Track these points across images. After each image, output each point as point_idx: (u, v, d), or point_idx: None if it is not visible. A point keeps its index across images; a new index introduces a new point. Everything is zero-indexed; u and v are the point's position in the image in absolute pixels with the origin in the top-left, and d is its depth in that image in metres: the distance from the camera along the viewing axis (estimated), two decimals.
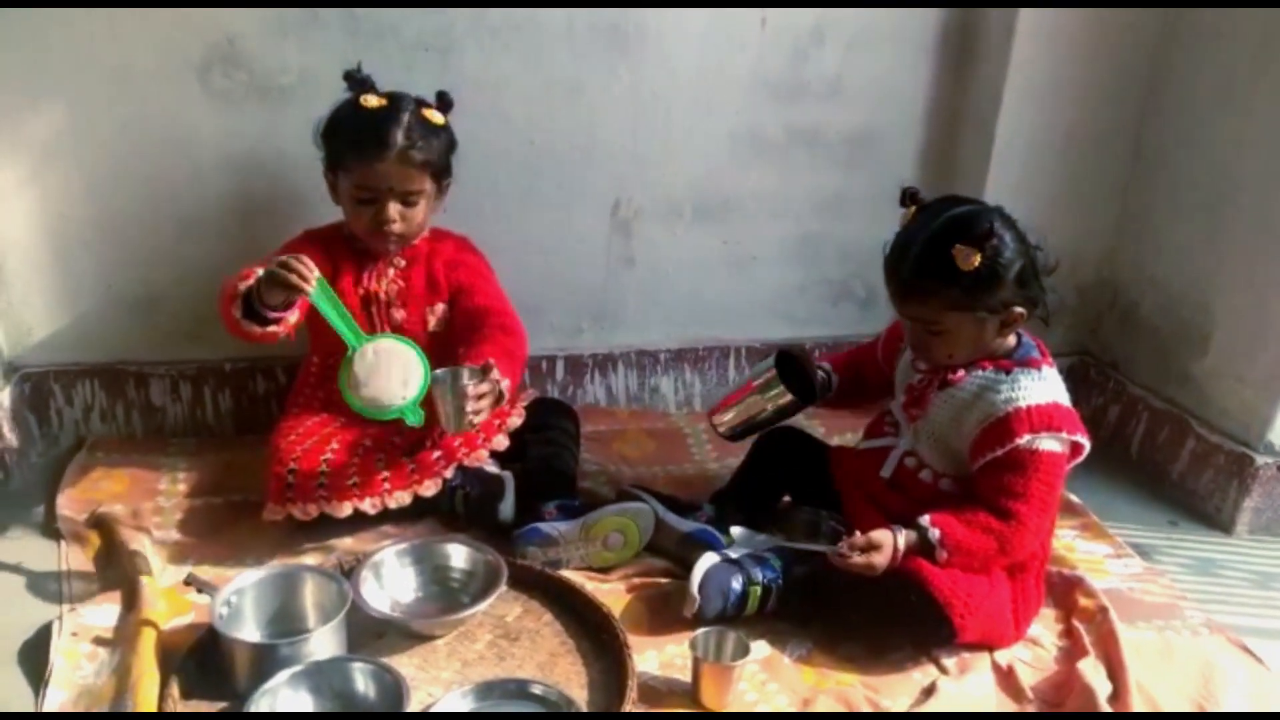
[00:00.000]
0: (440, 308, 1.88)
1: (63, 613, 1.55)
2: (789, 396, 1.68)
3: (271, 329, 1.66)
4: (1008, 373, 1.54)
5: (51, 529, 1.77)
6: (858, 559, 1.50)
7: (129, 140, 1.89)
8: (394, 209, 1.74)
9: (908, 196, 1.56)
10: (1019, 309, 1.51)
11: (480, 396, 1.61)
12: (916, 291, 1.51)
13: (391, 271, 1.84)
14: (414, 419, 1.68)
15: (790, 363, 1.72)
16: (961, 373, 1.57)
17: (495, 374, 1.63)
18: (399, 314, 1.84)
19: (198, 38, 1.85)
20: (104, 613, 1.55)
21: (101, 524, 1.75)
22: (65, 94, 1.84)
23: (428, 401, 1.68)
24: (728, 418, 1.74)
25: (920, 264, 1.49)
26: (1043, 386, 1.54)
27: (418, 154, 1.72)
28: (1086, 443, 1.54)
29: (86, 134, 1.87)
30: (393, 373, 1.68)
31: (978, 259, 1.45)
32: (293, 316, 1.69)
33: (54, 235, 1.92)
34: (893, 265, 1.53)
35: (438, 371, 1.67)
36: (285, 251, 1.75)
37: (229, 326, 1.67)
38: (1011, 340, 1.59)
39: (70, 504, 1.82)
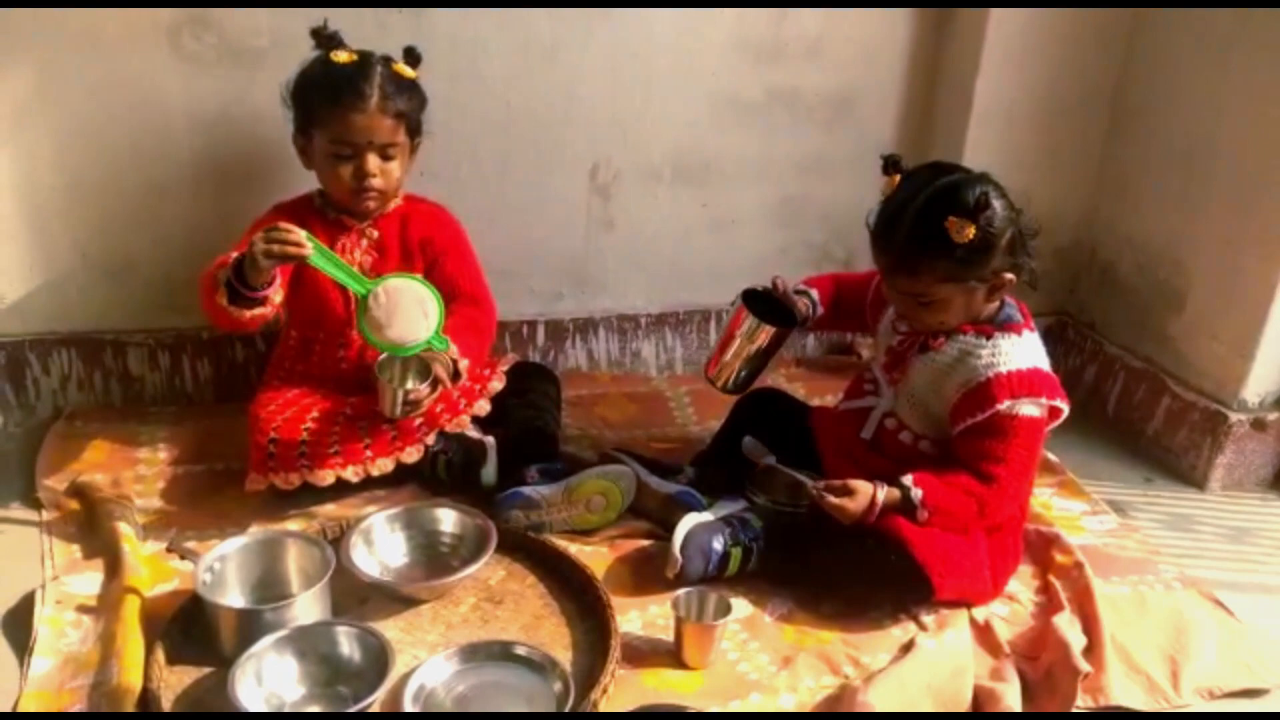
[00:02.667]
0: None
1: (45, 581, 1.55)
2: (769, 329, 1.65)
3: (259, 311, 1.64)
4: (988, 337, 1.55)
5: (32, 498, 1.76)
6: (831, 499, 1.52)
7: (99, 104, 1.86)
8: (374, 163, 1.73)
9: (890, 165, 1.54)
10: (1008, 275, 1.51)
11: (418, 400, 1.69)
12: (908, 265, 1.50)
13: (365, 243, 1.82)
14: (441, 345, 1.69)
15: (758, 299, 1.68)
16: (942, 337, 1.57)
17: (441, 375, 1.70)
18: None
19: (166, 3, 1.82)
20: (87, 580, 1.55)
21: (82, 493, 1.74)
22: (33, 58, 1.80)
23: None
24: (724, 374, 1.71)
25: (913, 237, 1.47)
26: (1023, 351, 1.54)
27: (394, 105, 1.71)
28: (1065, 407, 1.55)
29: (56, 98, 1.84)
30: (410, 308, 1.67)
31: (972, 231, 1.44)
32: (277, 295, 1.67)
33: (25, 202, 1.89)
34: (882, 239, 1.51)
35: (383, 358, 1.70)
36: (257, 229, 1.74)
37: (215, 317, 1.65)
38: (994, 304, 1.59)
39: (50, 473, 1.81)
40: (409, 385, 1.70)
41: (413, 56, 1.78)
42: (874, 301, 1.74)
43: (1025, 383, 1.51)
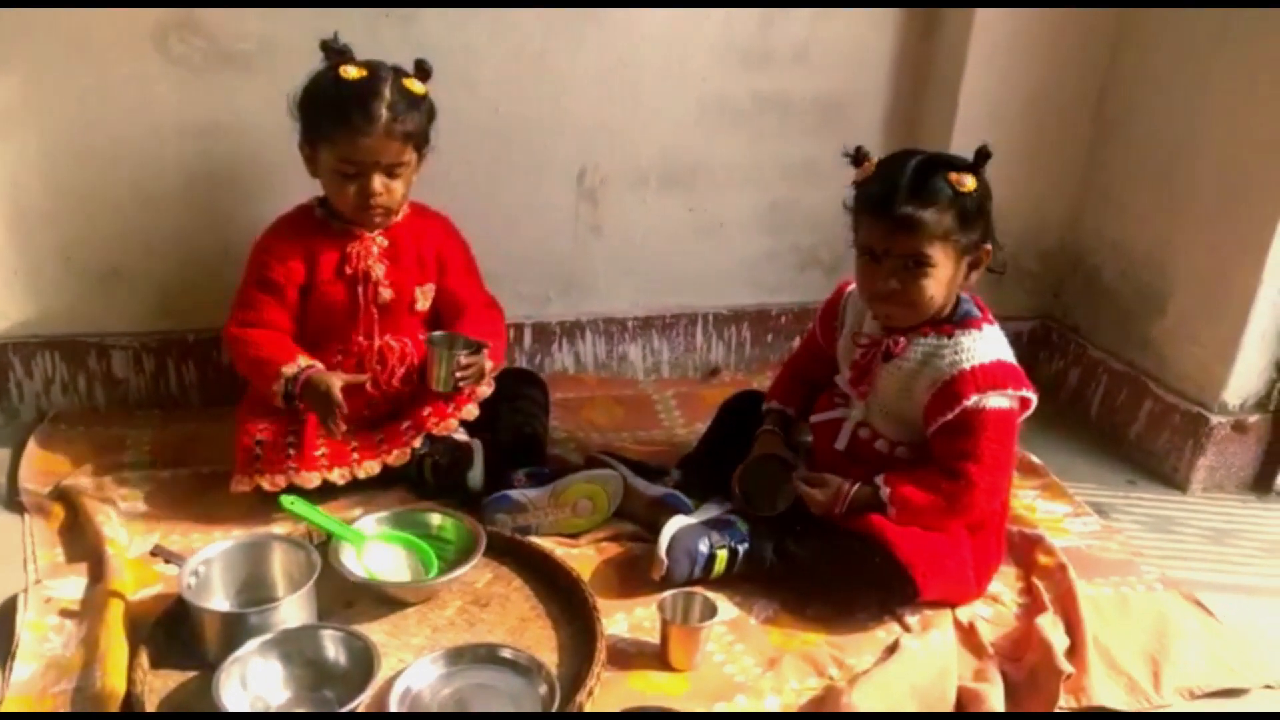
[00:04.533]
0: (430, 287, 1.87)
1: (28, 585, 1.54)
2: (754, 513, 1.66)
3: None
4: (949, 336, 1.56)
5: (14, 502, 1.75)
6: (804, 488, 1.59)
7: (87, 108, 1.85)
8: (379, 182, 1.70)
9: (860, 154, 1.56)
10: (987, 246, 1.54)
11: (469, 366, 1.76)
12: (911, 221, 1.48)
13: (375, 250, 1.80)
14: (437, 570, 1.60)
15: (763, 469, 1.70)
16: (903, 342, 1.58)
17: (485, 354, 1.77)
18: (386, 293, 1.80)
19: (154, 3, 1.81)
20: (70, 585, 1.55)
21: (65, 496, 1.74)
22: (20, 62, 1.80)
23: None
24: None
25: (915, 190, 1.48)
26: (985, 345, 1.55)
27: (402, 126, 1.68)
28: (1034, 396, 1.56)
29: (43, 102, 1.83)
30: (399, 565, 1.60)
31: (973, 183, 1.47)
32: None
33: (11, 205, 1.89)
34: (881, 203, 1.50)
35: (435, 334, 1.80)
36: (260, 254, 1.78)
37: (258, 385, 1.77)
38: (950, 304, 1.59)
39: (33, 477, 1.80)
40: (459, 349, 1.76)
41: (423, 70, 1.73)
42: (824, 324, 1.76)
43: (990, 376, 1.52)
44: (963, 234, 1.50)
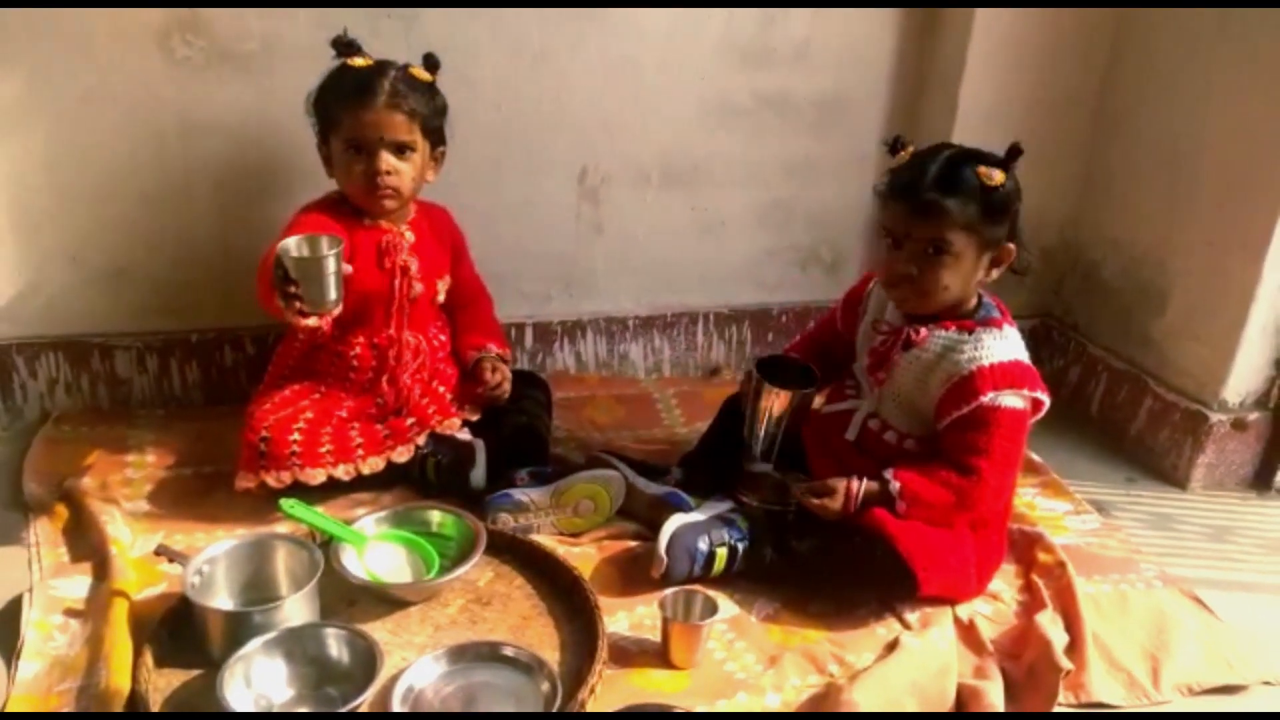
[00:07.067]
0: (447, 279, 1.91)
1: (33, 585, 1.55)
2: (783, 393, 1.64)
3: (315, 323, 1.59)
4: (970, 332, 1.57)
5: (18, 502, 1.76)
6: (813, 500, 1.57)
7: (90, 109, 1.86)
8: (387, 160, 1.71)
9: (898, 143, 1.58)
10: (1010, 245, 1.55)
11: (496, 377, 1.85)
12: (934, 208, 1.50)
13: (406, 246, 1.82)
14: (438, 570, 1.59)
15: (773, 366, 1.69)
16: (924, 332, 1.59)
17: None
18: (418, 287, 1.83)
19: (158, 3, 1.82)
20: (75, 584, 1.55)
21: (70, 496, 1.74)
22: (24, 62, 1.81)
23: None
24: (752, 442, 1.68)
25: (942, 178, 1.50)
26: (1004, 345, 1.57)
27: (406, 103, 1.71)
28: (1047, 399, 1.58)
29: (47, 103, 1.84)
30: (401, 564, 1.60)
31: (1002, 178, 1.48)
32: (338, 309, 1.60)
33: (15, 205, 1.89)
34: (907, 186, 1.52)
35: (288, 242, 1.53)
36: (307, 217, 1.73)
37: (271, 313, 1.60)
38: (973, 301, 1.61)
39: (37, 477, 1.81)
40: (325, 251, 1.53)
41: (431, 62, 1.77)
42: (846, 309, 1.76)
43: (1007, 375, 1.53)
44: (985, 227, 1.51)
